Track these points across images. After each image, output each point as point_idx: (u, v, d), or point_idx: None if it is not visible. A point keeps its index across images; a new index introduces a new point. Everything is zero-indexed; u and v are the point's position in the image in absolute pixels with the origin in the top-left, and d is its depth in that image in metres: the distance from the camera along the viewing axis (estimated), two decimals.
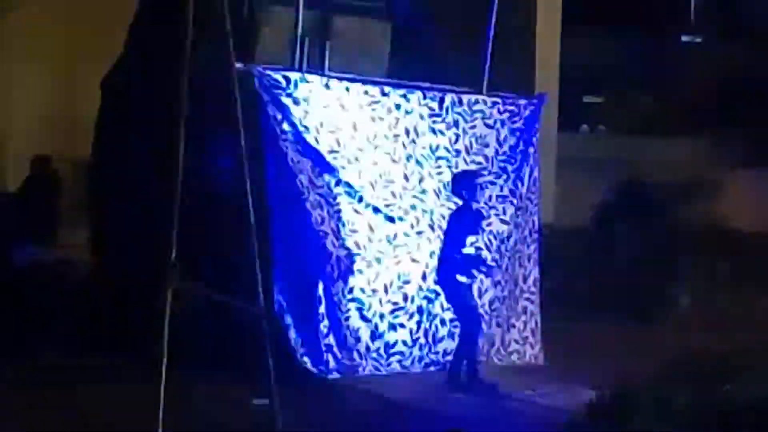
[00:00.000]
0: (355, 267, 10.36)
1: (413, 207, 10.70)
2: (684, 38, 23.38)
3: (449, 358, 10.62)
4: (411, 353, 10.62)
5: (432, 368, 10.66)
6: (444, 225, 10.66)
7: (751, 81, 19.63)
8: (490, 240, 11.05)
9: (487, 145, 11.15)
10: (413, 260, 10.65)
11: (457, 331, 10.59)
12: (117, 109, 11.38)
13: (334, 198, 10.31)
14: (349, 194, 10.38)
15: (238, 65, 9.71)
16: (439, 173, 10.86)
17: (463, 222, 10.20)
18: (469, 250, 10.16)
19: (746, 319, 13.18)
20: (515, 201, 11.26)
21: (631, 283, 13.93)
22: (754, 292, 14.14)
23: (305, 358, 10.19)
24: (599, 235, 15.05)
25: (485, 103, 11.20)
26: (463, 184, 10.31)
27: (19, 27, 15.34)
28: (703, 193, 16.39)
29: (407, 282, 10.62)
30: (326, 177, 10.30)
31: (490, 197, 11.09)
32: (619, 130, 19.95)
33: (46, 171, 13.75)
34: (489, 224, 11.04)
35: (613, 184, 16.09)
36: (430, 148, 10.85)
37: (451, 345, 10.69)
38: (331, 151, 10.32)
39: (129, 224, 10.83)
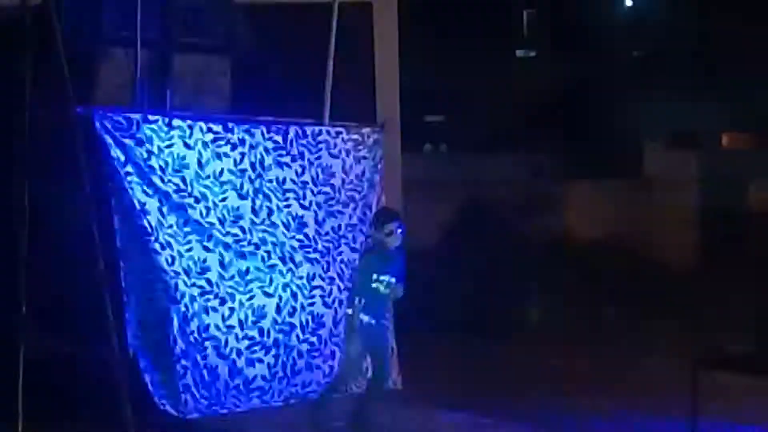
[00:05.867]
0: (209, 305, 10.34)
1: (263, 241, 10.72)
2: (519, 53, 23.84)
3: (309, 389, 10.69)
4: (270, 387, 10.62)
5: (292, 401, 10.69)
6: (295, 257, 10.77)
7: (587, 92, 20.14)
8: (341, 269, 11.13)
9: (333, 175, 11.22)
10: (267, 294, 10.66)
11: (316, 362, 10.71)
12: None
13: (184, 237, 10.27)
14: (198, 232, 10.35)
15: (79, 108, 9.66)
16: (288, 206, 10.89)
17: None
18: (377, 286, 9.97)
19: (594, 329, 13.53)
20: (364, 229, 11.34)
21: (481, 301, 14.14)
22: (597, 300, 14.52)
23: (163, 400, 10.10)
24: (448, 255, 15.24)
25: (329, 133, 11.26)
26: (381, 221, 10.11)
27: None
28: (547, 206, 16.73)
29: (262, 316, 10.62)
30: (174, 216, 10.25)
31: (339, 226, 11.17)
32: (462, 147, 20.25)
33: None
34: (340, 253, 11.12)
35: (459, 202, 16.32)
36: (277, 181, 10.88)
37: (309, 377, 10.76)
38: (178, 190, 10.27)
39: None
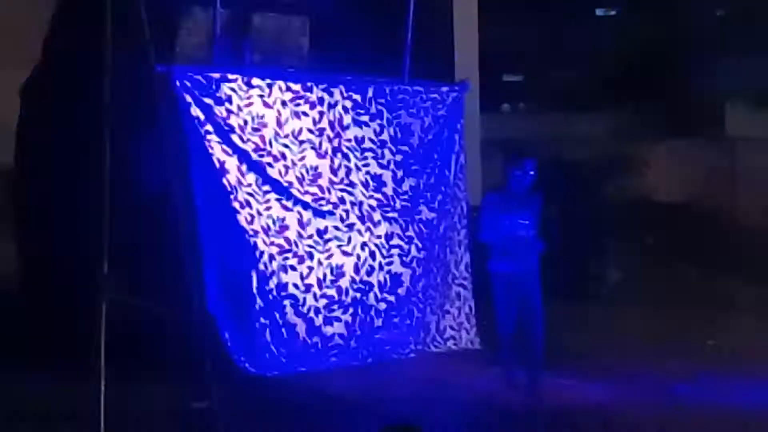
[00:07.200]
0: (288, 263, 10.36)
1: (342, 200, 10.71)
2: (598, 11, 23.58)
3: (386, 348, 10.70)
4: (349, 346, 10.64)
5: (370, 360, 10.70)
6: (374, 216, 10.75)
7: (668, 51, 19.86)
8: (420, 228, 11.10)
9: (412, 134, 11.18)
10: (345, 253, 10.66)
11: (393, 321, 10.71)
12: (38, 117, 11.25)
13: (263, 195, 10.30)
14: (277, 191, 10.37)
15: (159, 67, 9.69)
16: (366, 165, 10.88)
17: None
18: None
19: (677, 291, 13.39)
20: (443, 188, 11.31)
21: (561, 261, 14.01)
22: (682, 263, 14.35)
23: (243, 358, 10.16)
24: None
25: (408, 92, 11.22)
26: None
27: None
28: (628, 166, 16.56)
29: (340, 275, 10.63)
30: (253, 175, 10.27)
31: (418, 185, 11.13)
32: (540, 107, 20.09)
33: None
34: (419, 213, 11.09)
35: (537, 162, 16.16)
36: (356, 140, 10.86)
37: (387, 336, 10.76)
38: (257, 149, 10.29)
39: (56, 234, 10.71)
